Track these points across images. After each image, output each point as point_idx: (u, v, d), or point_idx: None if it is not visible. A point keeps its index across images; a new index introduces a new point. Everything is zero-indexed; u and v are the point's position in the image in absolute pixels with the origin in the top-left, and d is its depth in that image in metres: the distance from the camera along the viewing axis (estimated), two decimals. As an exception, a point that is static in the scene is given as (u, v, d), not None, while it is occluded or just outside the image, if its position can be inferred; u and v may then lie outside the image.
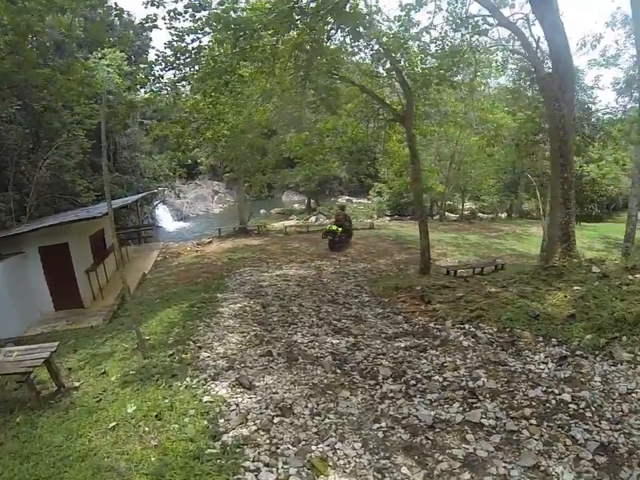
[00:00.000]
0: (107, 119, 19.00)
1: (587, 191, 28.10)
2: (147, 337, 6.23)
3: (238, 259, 14.29)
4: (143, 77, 7.70)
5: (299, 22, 7.06)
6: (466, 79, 12.22)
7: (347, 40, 9.49)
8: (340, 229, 15.25)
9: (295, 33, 7.95)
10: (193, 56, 7.10)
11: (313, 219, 29.82)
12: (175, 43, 7.05)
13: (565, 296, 6.24)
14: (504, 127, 16.72)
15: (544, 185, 35.27)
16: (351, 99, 12.96)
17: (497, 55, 13.36)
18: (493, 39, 11.76)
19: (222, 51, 7.27)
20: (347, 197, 39.72)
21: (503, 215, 31.62)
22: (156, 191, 23.52)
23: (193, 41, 6.98)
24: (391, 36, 9.44)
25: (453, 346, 5.63)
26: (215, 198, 40.66)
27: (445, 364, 5.11)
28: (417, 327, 6.60)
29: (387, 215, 30.24)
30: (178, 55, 7.06)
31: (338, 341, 6.06)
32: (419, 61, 10.12)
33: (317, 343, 5.98)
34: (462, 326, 6.20)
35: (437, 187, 24.61)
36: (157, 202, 28.82)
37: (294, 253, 15.33)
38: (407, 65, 10.09)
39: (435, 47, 9.84)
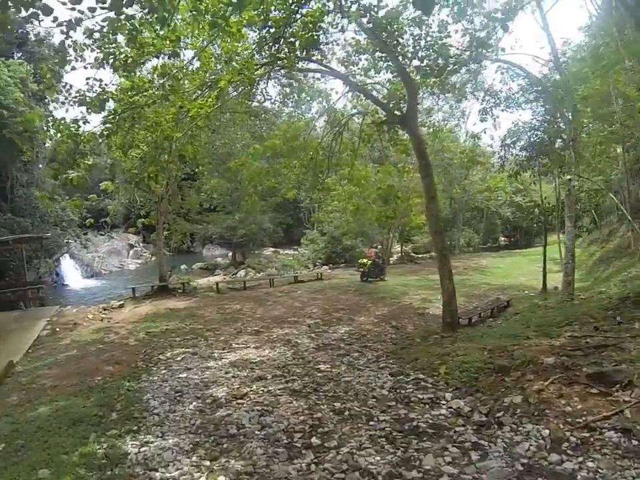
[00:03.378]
0: None
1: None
2: None
3: (161, 332, 9.61)
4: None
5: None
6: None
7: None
8: (369, 262, 17.73)
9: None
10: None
11: (242, 273, 25.62)
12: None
13: None
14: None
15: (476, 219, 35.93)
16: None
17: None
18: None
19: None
20: (272, 249, 35.99)
21: (439, 253, 30.31)
22: (48, 235, 17.63)
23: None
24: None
25: None
26: (130, 252, 35.71)
27: None
28: None
29: (325, 264, 27.22)
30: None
31: None
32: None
33: None
34: None
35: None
36: (59, 255, 22.61)
37: (238, 319, 11.13)
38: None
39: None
